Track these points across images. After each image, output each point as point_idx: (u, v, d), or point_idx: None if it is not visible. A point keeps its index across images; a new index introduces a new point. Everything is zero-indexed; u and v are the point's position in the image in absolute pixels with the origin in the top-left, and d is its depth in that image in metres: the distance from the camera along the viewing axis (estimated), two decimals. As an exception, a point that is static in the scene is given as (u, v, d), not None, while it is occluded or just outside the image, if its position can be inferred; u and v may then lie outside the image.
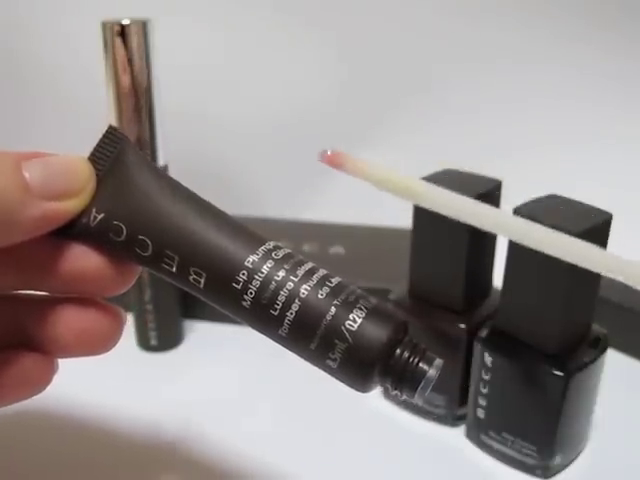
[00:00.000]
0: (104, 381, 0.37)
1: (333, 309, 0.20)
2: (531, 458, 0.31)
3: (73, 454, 0.32)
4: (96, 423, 0.34)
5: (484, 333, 0.31)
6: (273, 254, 0.21)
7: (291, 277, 0.21)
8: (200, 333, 0.43)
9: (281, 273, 0.21)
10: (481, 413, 0.32)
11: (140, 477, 0.31)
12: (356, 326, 0.20)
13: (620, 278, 0.21)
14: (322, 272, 0.21)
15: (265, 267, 0.21)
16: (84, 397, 0.36)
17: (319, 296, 0.20)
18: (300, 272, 0.21)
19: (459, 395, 0.33)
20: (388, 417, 0.35)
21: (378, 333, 0.20)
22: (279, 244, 0.22)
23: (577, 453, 0.32)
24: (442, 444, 0.34)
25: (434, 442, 0.34)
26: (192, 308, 0.43)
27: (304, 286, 0.21)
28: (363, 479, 0.32)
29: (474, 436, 0.33)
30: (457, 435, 0.34)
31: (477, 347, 0.31)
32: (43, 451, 0.32)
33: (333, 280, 0.21)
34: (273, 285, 0.21)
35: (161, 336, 0.40)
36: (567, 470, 0.32)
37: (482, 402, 0.32)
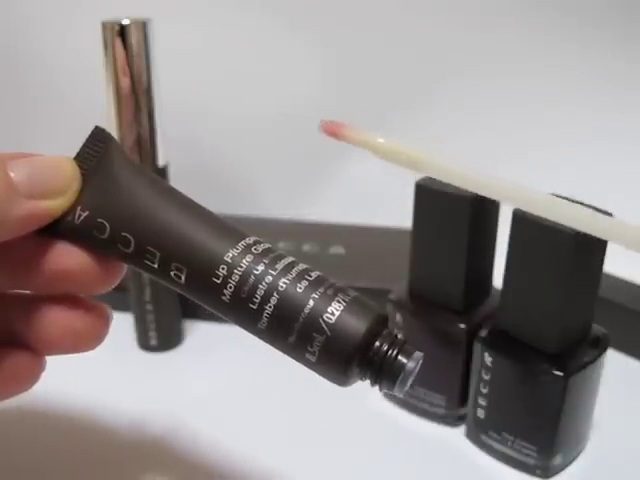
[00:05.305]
0: (104, 381, 0.37)
1: (311, 302, 0.20)
2: (531, 458, 0.31)
3: (72, 454, 0.32)
4: (96, 423, 0.34)
5: (484, 333, 0.31)
6: (253, 249, 0.21)
7: (270, 271, 0.21)
8: (200, 333, 0.43)
9: (260, 267, 0.21)
10: (481, 413, 0.32)
11: (139, 477, 0.31)
12: (334, 319, 0.20)
13: (622, 244, 0.21)
14: (301, 266, 0.21)
15: (244, 261, 0.21)
16: (84, 397, 0.35)
17: (298, 289, 0.20)
18: (279, 266, 0.21)
19: (459, 395, 0.33)
20: (388, 417, 0.35)
21: (356, 325, 0.20)
22: (259, 239, 0.22)
23: (577, 453, 0.32)
24: (442, 444, 0.34)
25: (434, 442, 0.34)
26: (192, 308, 0.43)
27: (283, 280, 0.21)
28: (363, 479, 0.32)
29: (474, 436, 0.33)
30: (457, 435, 0.34)
31: (477, 347, 0.31)
32: (43, 450, 0.32)
33: (312, 274, 0.21)
34: (252, 279, 0.21)
35: (161, 336, 0.40)
36: (567, 470, 0.32)
37: (482, 402, 0.32)
